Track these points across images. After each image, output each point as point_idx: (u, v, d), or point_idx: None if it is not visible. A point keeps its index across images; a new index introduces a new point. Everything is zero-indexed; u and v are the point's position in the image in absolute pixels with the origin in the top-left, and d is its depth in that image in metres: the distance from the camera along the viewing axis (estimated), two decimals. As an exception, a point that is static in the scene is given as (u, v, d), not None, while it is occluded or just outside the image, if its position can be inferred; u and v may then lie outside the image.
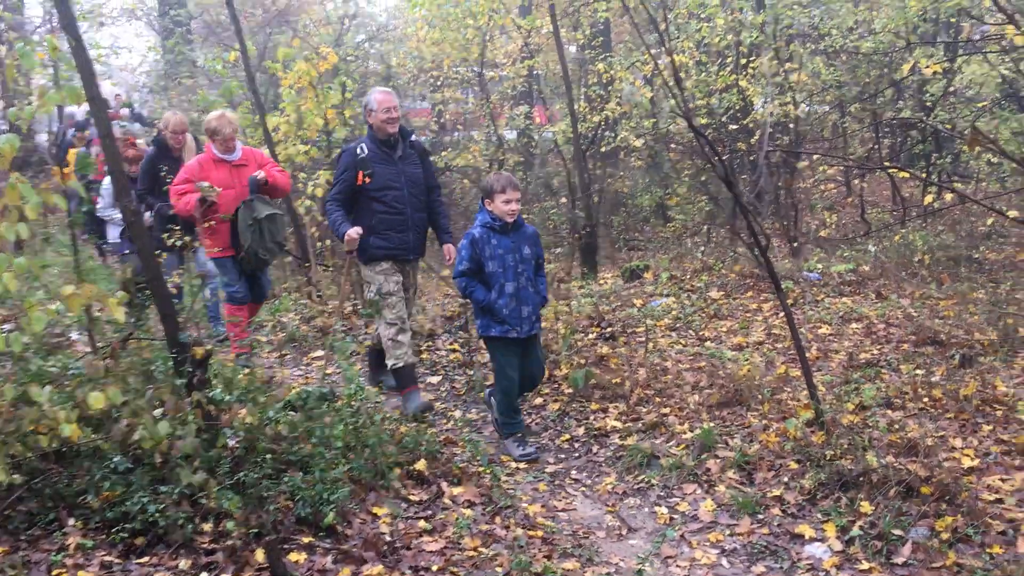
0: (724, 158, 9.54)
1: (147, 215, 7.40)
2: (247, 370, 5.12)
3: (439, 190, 6.10)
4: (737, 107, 11.08)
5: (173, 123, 7.32)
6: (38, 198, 2.71)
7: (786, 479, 4.47)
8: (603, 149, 12.20)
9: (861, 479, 4.18)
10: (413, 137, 5.95)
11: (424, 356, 6.95)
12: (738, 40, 10.68)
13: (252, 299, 6.72)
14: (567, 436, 5.33)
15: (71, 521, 3.70)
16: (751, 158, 10.77)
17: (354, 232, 5.56)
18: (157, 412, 4.00)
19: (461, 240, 5.14)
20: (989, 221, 10.15)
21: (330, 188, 5.90)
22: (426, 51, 14.18)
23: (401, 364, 5.66)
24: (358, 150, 5.69)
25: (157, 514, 3.68)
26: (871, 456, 4.23)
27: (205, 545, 3.64)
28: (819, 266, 9.41)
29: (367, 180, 5.61)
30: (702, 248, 10.64)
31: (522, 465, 5.00)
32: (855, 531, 3.91)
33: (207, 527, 3.75)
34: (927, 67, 8.24)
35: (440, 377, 6.51)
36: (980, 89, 11.71)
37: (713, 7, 9.90)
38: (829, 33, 11.28)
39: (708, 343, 6.97)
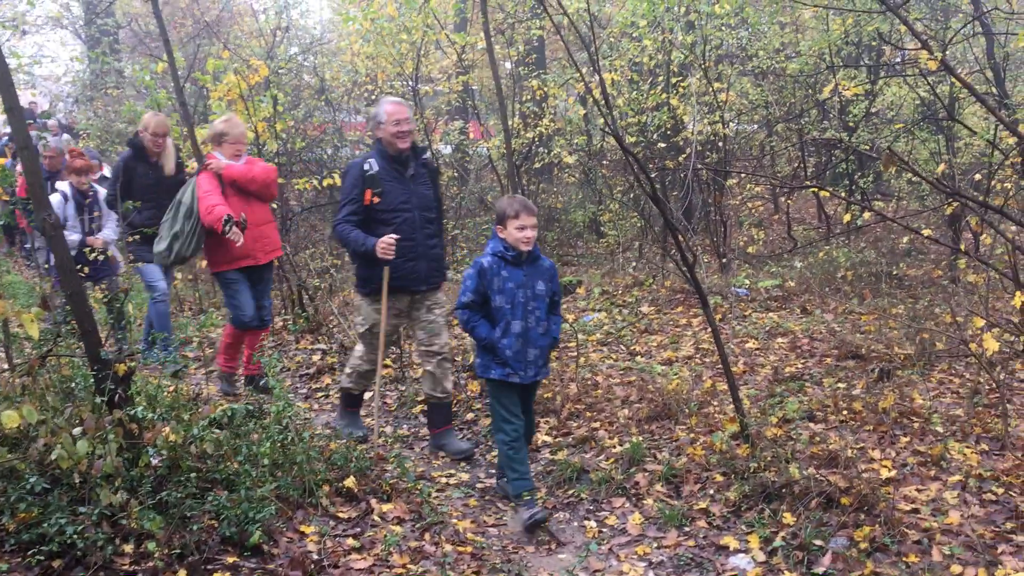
0: (653, 175, 9.69)
1: (107, 229, 7.22)
2: (171, 387, 5.04)
3: (442, 216, 5.63)
4: (667, 125, 11.27)
5: (154, 124, 6.85)
6: (-50, 211, 2.62)
7: (712, 492, 4.54)
8: (537, 165, 12.28)
9: (784, 491, 4.27)
10: (426, 155, 5.49)
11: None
12: (668, 60, 10.87)
13: (257, 324, 6.24)
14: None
15: (-16, 544, 3.59)
16: (681, 175, 10.96)
17: (389, 237, 4.99)
18: (77, 431, 3.89)
19: (467, 268, 4.58)
20: (907, 239, 10.48)
21: (338, 210, 5.28)
22: (360, 65, 14.13)
23: (357, 392, 5.57)
24: (366, 165, 5.15)
25: (75, 536, 3.58)
26: (794, 468, 4.33)
27: (126, 567, 3.56)
28: (747, 282, 9.60)
29: (375, 200, 5.10)
30: (634, 264, 10.78)
31: (453, 480, 4.99)
32: (778, 542, 3.99)
33: (128, 548, 3.66)
34: (848, 89, 8.50)
35: (370, 393, 6.45)
36: (899, 111, 12.10)
37: (643, 27, 10.06)
38: (756, 54, 11.57)
39: (639, 358, 7.06)
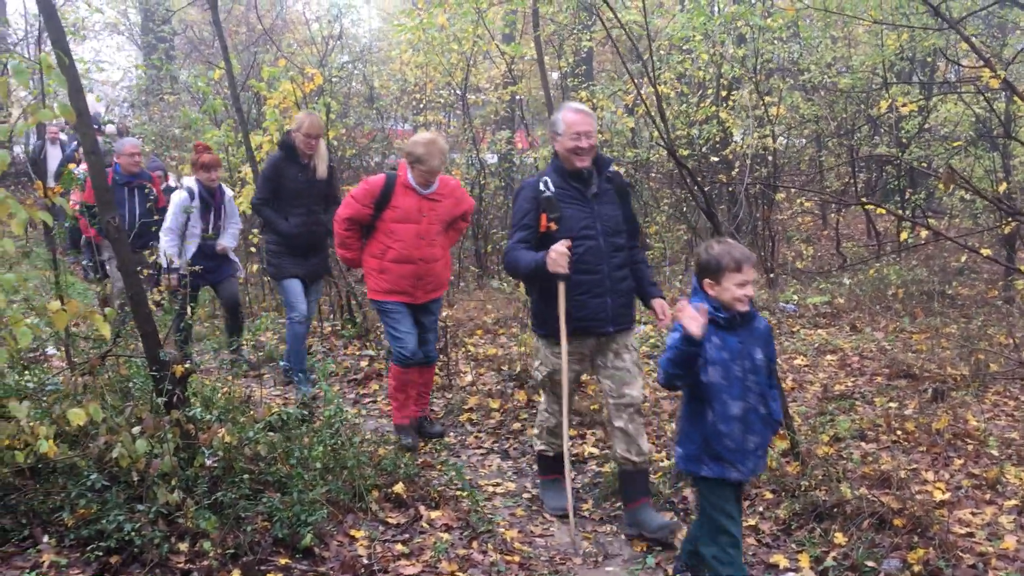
0: (705, 188, 9.66)
1: (228, 235, 7.07)
2: (224, 389, 5.13)
3: (638, 236, 4.76)
4: (717, 139, 11.23)
5: (308, 124, 6.24)
6: (25, 214, 2.71)
7: (761, 509, 4.51)
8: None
9: (835, 510, 4.23)
10: (612, 168, 4.56)
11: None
12: (719, 73, 10.83)
13: (422, 360, 5.58)
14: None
15: (45, 538, 3.67)
16: (730, 189, 10.90)
17: (560, 246, 4.16)
18: (136, 429, 3.97)
19: (673, 334, 3.44)
20: (963, 257, 10.31)
21: (509, 235, 4.53)
22: (409, 74, 14.28)
23: (551, 453, 4.73)
24: (540, 186, 4.35)
25: (133, 533, 3.65)
26: (845, 487, 4.28)
27: (181, 565, 3.62)
28: (795, 298, 9.51)
29: (552, 227, 4.28)
30: (680, 277, 10.73)
31: (500, 490, 5.01)
32: (829, 562, 3.94)
33: (183, 547, 3.72)
34: (904, 105, 8.41)
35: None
36: (955, 128, 11.91)
37: (696, 41, 10.04)
38: (808, 69, 11.49)
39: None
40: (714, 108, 11.06)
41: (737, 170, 10.45)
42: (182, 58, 19.92)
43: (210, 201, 6.97)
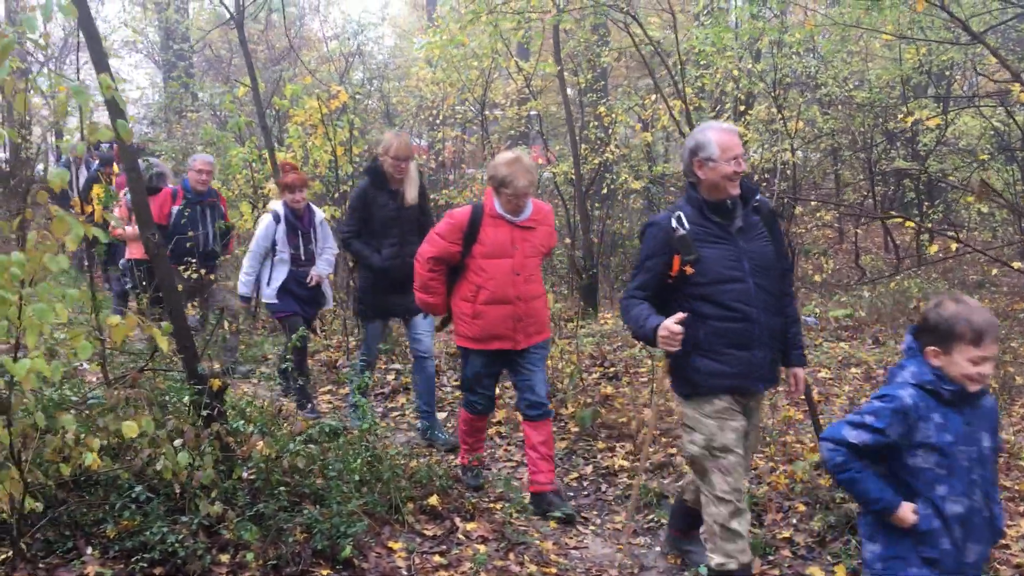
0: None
1: (322, 261, 6.57)
2: (259, 402, 5.20)
3: (790, 278, 4.10)
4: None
5: (396, 147, 5.69)
6: (81, 230, 2.77)
7: (795, 521, 4.52)
8: (604, 191, 12.37)
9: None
10: (759, 196, 3.84)
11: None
12: (737, 87, 10.89)
13: (538, 414, 4.86)
14: (575, 474, 5.37)
15: (89, 550, 3.72)
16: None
17: (674, 322, 3.55)
18: (177, 442, 4.03)
19: (875, 402, 2.83)
20: (993, 271, 10.29)
21: (631, 278, 3.90)
22: (426, 90, 14.40)
23: (734, 566, 3.60)
24: (673, 222, 3.68)
25: (176, 544, 3.70)
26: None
27: (224, 576, 3.66)
28: (816, 310, 9.53)
29: (687, 270, 3.64)
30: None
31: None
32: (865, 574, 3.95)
33: (225, 558, 3.77)
34: (928, 119, 8.38)
35: (445, 413, 6.54)
36: (978, 141, 11.92)
37: (713, 55, 10.10)
38: (826, 83, 11.53)
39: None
40: (730, 122, 11.11)
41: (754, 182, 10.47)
42: (200, 76, 20.11)
43: (297, 224, 6.43)
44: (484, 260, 4.73)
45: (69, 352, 3.18)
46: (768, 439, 5.47)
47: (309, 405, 6.28)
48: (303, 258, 6.44)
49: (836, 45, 10.13)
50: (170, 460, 3.84)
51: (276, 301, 6.43)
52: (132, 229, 7.18)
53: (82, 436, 3.66)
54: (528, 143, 15.83)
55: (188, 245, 7.20)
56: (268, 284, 6.42)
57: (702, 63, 11.11)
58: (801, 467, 4.84)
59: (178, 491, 3.97)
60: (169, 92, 16.40)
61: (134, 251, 7.69)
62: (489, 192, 4.79)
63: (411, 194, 5.82)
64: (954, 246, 5.04)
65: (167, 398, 4.80)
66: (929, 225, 11.11)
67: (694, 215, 3.70)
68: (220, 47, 20.15)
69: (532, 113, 14.86)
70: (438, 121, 14.95)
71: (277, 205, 6.46)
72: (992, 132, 11.01)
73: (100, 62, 4.20)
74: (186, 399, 4.62)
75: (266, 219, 6.41)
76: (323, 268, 6.56)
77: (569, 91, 14.81)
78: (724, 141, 3.65)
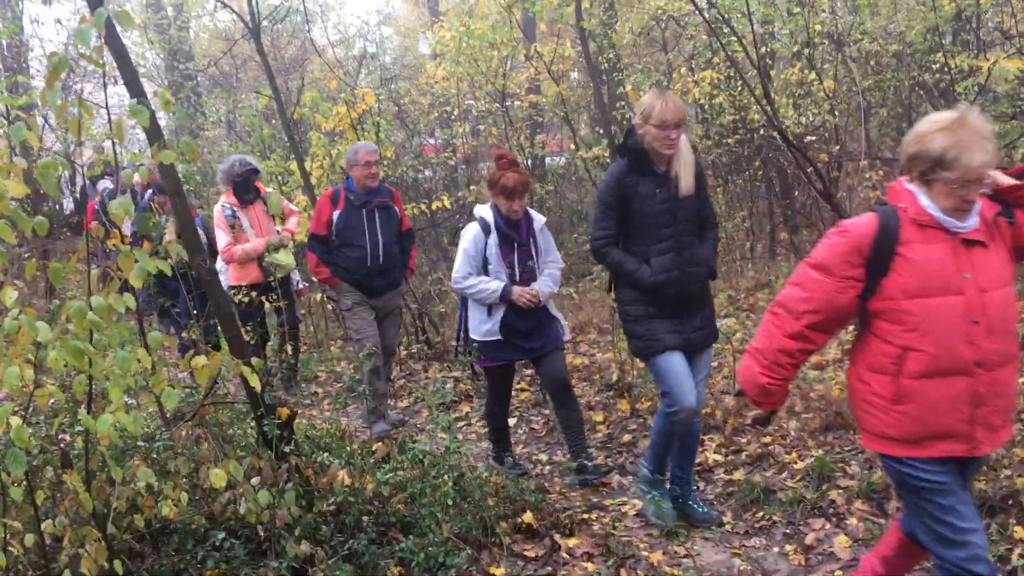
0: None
1: (546, 278, 5.03)
2: (323, 425, 4.91)
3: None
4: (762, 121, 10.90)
5: (661, 109, 4.04)
6: (150, 265, 2.47)
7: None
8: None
9: (1010, 502, 3.90)
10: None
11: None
12: (769, 51, 10.50)
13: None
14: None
15: (175, 605, 3.45)
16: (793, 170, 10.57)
17: None
18: (254, 481, 3.75)
19: None
20: None
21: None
22: (438, 86, 14.10)
23: None
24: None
25: (269, 591, 3.43)
26: (1020, 480, 3.95)
27: (324, 622, 3.37)
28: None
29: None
30: (749, 264, 10.40)
31: (627, 508, 4.72)
32: (1016, 560, 3.62)
33: (322, 602, 3.49)
34: (965, 61, 7.98)
35: (515, 419, 6.22)
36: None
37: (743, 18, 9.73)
38: (857, 39, 11.13)
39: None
40: (759, 89, 10.73)
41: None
42: (207, 94, 19.86)
43: (513, 235, 4.93)
44: (911, 301, 2.79)
45: (150, 400, 2.90)
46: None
47: (381, 423, 5.99)
48: (519, 278, 4.96)
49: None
50: (251, 501, 3.56)
51: (498, 339, 4.93)
52: (253, 246, 6.67)
53: (156, 484, 3.39)
54: (541, 131, 15.48)
55: (358, 259, 6.06)
56: (486, 316, 4.95)
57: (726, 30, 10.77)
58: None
59: (262, 534, 3.70)
60: (175, 113, 16.16)
61: (241, 274, 6.78)
62: (899, 186, 2.90)
63: (687, 179, 4.17)
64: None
65: (231, 431, 4.52)
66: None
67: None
68: (224, 63, 19.90)
69: (543, 103, 14.57)
70: (453, 117, 14.65)
71: (484, 210, 5.02)
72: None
73: (131, 82, 3.92)
74: (251, 431, 4.35)
75: (472, 230, 4.97)
76: (546, 285, 4.98)
77: (574, 75, 14.48)
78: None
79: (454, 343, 5.60)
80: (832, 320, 2.92)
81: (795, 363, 2.99)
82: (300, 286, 7.52)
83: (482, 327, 4.94)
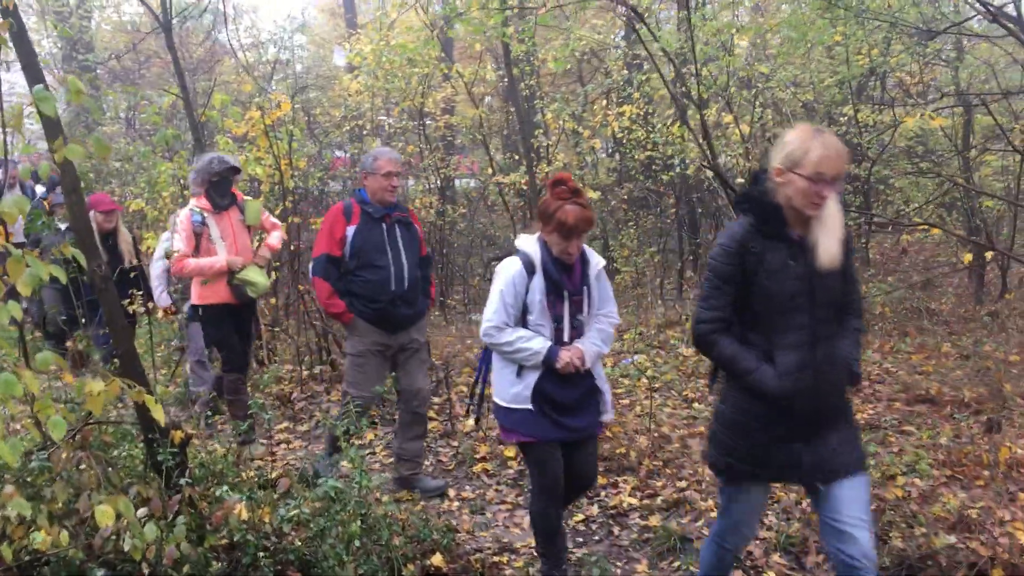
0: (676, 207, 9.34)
1: None
2: (221, 451, 4.55)
3: None
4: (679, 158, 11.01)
5: (821, 152, 2.91)
6: (44, 272, 2.16)
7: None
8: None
9: (929, 563, 3.86)
10: None
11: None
12: (687, 92, 10.60)
13: None
14: (581, 516, 4.86)
15: (41, 652, 3.08)
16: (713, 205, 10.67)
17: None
18: (141, 512, 3.40)
19: None
20: (959, 262, 10.05)
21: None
22: (352, 100, 13.82)
23: None
24: None
25: (151, 638, 3.09)
26: (936, 538, 3.92)
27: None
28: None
29: None
30: (659, 302, 10.42)
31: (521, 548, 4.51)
32: (935, 622, 3.57)
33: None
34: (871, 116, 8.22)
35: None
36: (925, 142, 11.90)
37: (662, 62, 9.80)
38: (769, 86, 11.37)
39: (696, 404, 6.65)
40: (678, 126, 10.84)
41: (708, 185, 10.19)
42: (106, 88, 19.00)
43: (565, 284, 3.78)
44: None
45: (29, 425, 2.56)
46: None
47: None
48: (567, 337, 3.81)
49: (789, 47, 9.91)
50: (136, 536, 3.21)
51: (529, 408, 3.75)
52: (210, 263, 5.75)
53: (29, 514, 3.02)
54: (452, 152, 15.35)
55: (379, 282, 4.97)
56: (515, 377, 3.80)
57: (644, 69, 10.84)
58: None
59: (146, 571, 3.35)
60: (72, 108, 15.35)
61: (207, 293, 5.88)
62: None
63: (831, 247, 3.00)
64: (989, 254, 4.75)
65: (116, 452, 4.13)
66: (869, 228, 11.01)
67: None
68: (127, 58, 19.09)
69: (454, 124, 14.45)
70: (365, 132, 14.35)
71: (528, 243, 3.84)
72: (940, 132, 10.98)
73: (32, 69, 3.56)
74: (139, 453, 4.00)
75: (512, 268, 3.78)
76: (596, 345, 3.84)
77: (488, 100, 14.44)
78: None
79: (467, 400, 4.60)
80: None
81: None
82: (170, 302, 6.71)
83: (509, 390, 3.80)
